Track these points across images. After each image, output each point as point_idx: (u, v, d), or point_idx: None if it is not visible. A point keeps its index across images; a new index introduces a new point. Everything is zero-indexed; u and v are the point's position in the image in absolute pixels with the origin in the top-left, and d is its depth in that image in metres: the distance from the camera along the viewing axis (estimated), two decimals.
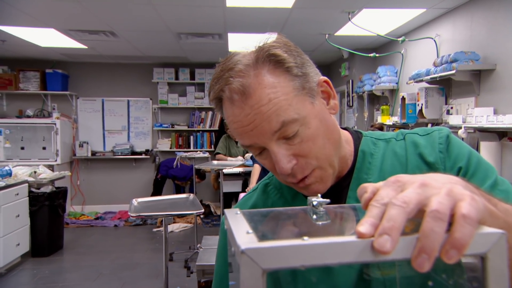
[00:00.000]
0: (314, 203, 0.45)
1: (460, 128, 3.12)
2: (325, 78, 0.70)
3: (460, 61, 3.17)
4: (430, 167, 0.67)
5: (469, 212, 0.35)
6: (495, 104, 3.09)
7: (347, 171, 0.73)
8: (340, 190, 0.72)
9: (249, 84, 0.62)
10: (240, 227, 0.37)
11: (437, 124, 3.70)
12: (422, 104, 3.79)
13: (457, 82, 3.51)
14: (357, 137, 0.76)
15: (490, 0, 3.16)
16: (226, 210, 0.44)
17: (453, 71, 3.17)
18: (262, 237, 0.35)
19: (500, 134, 2.97)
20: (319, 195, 0.47)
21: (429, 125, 3.81)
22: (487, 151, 2.91)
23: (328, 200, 0.46)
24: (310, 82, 0.66)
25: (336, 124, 0.71)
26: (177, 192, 6.26)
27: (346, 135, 0.76)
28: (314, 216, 0.44)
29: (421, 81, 3.74)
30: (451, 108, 3.64)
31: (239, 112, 0.63)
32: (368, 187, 0.41)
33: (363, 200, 0.40)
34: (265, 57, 0.64)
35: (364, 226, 0.35)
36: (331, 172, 0.68)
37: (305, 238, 0.34)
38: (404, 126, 4.18)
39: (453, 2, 3.49)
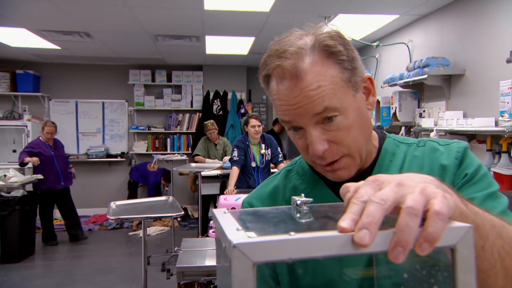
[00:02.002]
0: (298, 202, 0.48)
1: (432, 131, 3.23)
2: (369, 75, 0.75)
3: (432, 66, 3.28)
4: (444, 170, 0.73)
5: (441, 209, 0.39)
6: (465, 108, 3.22)
7: (368, 165, 0.78)
8: None
9: (302, 68, 0.66)
10: (230, 225, 0.39)
11: (411, 127, 3.82)
12: (396, 108, 3.90)
13: (429, 86, 3.64)
14: (382, 136, 0.83)
15: (460, 8, 3.30)
16: (214, 210, 0.46)
17: (425, 76, 3.28)
18: (251, 233, 0.37)
19: (469, 137, 3.09)
20: (303, 194, 0.49)
21: (403, 128, 3.92)
22: None
23: (311, 200, 0.48)
24: (356, 76, 0.70)
25: (371, 120, 0.76)
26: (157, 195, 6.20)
27: (373, 133, 0.81)
28: (298, 215, 0.47)
29: (395, 85, 3.86)
30: (424, 111, 3.77)
31: (288, 92, 0.67)
32: (351, 186, 0.44)
33: (345, 199, 0.43)
34: (322, 46, 0.67)
35: (346, 222, 0.38)
36: (358, 161, 0.73)
37: (292, 233, 0.36)
38: (378, 128, 4.26)
39: (425, 9, 3.62)
